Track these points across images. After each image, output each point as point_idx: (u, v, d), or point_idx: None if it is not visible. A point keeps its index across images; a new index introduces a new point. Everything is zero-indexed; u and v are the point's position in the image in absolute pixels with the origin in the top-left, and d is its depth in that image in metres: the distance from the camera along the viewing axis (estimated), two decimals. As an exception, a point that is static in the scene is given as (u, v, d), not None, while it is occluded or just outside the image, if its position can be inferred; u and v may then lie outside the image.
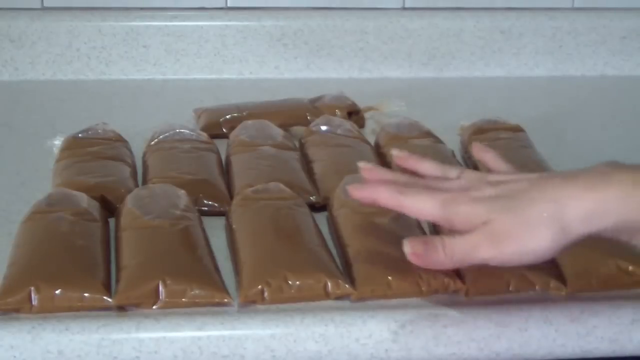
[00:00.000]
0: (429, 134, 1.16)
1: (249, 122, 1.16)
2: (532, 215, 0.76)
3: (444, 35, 1.46)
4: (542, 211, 0.75)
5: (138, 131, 1.16)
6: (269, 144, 1.11)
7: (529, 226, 0.76)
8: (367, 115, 1.28)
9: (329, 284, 0.85)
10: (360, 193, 0.82)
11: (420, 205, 0.79)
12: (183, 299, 0.84)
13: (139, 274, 0.85)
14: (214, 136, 1.16)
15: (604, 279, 0.87)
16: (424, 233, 0.94)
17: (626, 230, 0.77)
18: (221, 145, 1.14)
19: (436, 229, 0.93)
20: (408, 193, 0.79)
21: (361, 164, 0.85)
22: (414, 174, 0.85)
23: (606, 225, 0.76)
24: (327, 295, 0.85)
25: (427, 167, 0.85)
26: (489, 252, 0.77)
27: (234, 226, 0.94)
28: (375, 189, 0.81)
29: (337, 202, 0.98)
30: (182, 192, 0.98)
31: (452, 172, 0.83)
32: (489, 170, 0.86)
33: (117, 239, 0.92)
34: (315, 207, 1.00)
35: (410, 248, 0.79)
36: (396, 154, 0.87)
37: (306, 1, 1.46)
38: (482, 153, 0.87)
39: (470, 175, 0.83)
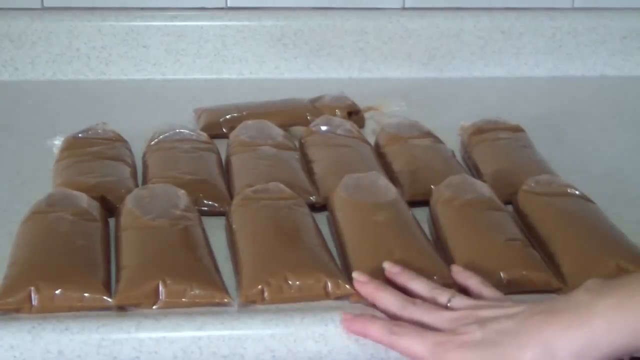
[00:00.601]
0: (429, 134, 1.16)
1: (249, 122, 1.16)
2: None
3: (444, 35, 1.46)
4: (532, 354, 0.75)
5: (138, 131, 1.16)
6: (269, 144, 1.11)
7: None
8: (367, 115, 1.28)
9: (329, 284, 0.85)
10: (353, 326, 0.82)
11: (412, 348, 0.79)
12: (183, 299, 0.84)
13: (139, 274, 0.85)
14: (214, 136, 1.16)
15: (604, 278, 0.87)
16: (423, 232, 0.94)
17: (623, 353, 0.76)
18: (221, 145, 1.14)
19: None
20: (399, 334, 0.79)
21: (355, 275, 0.85)
22: (402, 288, 0.85)
23: (599, 356, 0.75)
24: (327, 295, 0.85)
25: (418, 286, 0.84)
26: None
27: (234, 226, 0.94)
28: (367, 325, 0.81)
29: (337, 202, 0.98)
30: (182, 192, 0.98)
31: (442, 296, 0.83)
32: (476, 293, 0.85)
33: (117, 239, 0.92)
34: (315, 207, 1.00)
35: None
36: (388, 268, 0.86)
37: (306, 1, 1.46)
38: (465, 279, 0.86)
39: (459, 303, 0.82)
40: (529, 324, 0.77)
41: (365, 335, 0.82)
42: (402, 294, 0.83)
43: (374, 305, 0.84)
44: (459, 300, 0.82)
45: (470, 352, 0.77)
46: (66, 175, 1.03)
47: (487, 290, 0.84)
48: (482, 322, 0.78)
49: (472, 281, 0.85)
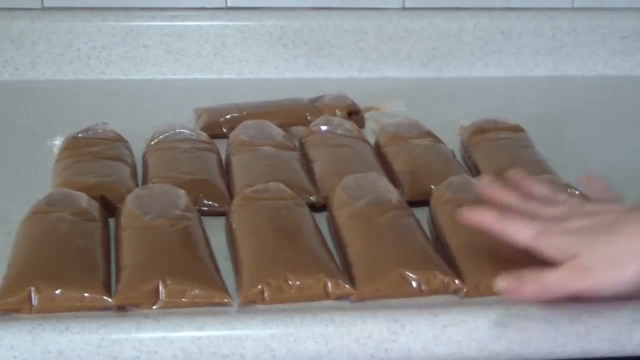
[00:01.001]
0: (429, 134, 1.16)
1: (249, 122, 1.16)
2: (618, 250, 0.80)
3: (444, 35, 1.46)
4: (627, 245, 0.80)
5: (138, 131, 1.16)
6: (269, 144, 1.11)
7: (615, 260, 0.80)
8: (367, 115, 1.28)
9: (329, 284, 0.85)
10: (470, 215, 0.87)
11: (518, 233, 0.84)
12: (183, 299, 0.84)
13: (139, 274, 0.85)
14: (214, 136, 1.16)
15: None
16: (424, 234, 0.94)
17: None
18: (221, 145, 1.14)
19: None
20: (510, 219, 0.85)
21: (482, 179, 0.92)
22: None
23: None
24: (327, 295, 0.85)
25: (540, 189, 0.90)
26: (579, 285, 0.81)
27: (234, 226, 0.94)
28: (483, 213, 0.86)
29: (337, 202, 0.98)
30: (182, 192, 0.98)
31: (561, 196, 0.89)
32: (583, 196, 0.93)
33: (117, 239, 0.92)
34: (315, 207, 1.00)
35: (505, 284, 0.83)
36: (512, 175, 0.92)
37: (306, 1, 1.46)
38: (593, 184, 0.93)
39: (572, 201, 0.88)
40: (628, 217, 0.82)
41: (479, 223, 0.86)
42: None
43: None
44: (574, 201, 0.88)
45: (569, 237, 0.82)
46: (66, 175, 1.04)
47: (609, 194, 0.90)
48: (587, 214, 0.84)
49: (597, 185, 0.92)
